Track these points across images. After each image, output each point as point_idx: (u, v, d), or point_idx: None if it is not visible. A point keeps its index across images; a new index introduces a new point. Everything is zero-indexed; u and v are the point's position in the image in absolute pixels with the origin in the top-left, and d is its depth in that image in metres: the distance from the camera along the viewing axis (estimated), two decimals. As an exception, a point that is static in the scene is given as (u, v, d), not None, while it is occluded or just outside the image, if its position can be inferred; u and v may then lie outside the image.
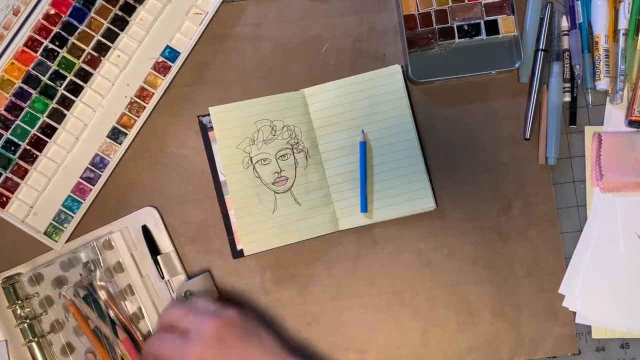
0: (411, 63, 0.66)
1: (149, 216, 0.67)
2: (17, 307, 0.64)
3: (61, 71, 0.66)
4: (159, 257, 0.65)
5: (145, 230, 0.66)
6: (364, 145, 0.66)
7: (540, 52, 0.67)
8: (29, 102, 0.66)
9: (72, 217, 0.66)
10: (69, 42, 0.66)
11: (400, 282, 0.67)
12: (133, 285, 0.65)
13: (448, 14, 0.67)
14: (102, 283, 0.64)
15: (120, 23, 0.67)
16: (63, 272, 0.65)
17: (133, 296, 0.65)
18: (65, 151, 0.66)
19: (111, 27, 0.67)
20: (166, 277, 0.65)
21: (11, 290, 0.65)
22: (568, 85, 0.68)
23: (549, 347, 0.66)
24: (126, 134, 0.67)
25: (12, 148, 0.66)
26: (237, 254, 0.66)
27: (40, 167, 0.66)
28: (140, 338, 0.64)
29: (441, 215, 0.67)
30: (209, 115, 0.66)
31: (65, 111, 0.66)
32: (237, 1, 0.69)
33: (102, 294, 0.64)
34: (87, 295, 0.64)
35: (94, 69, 0.67)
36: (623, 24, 0.67)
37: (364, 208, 0.65)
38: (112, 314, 0.64)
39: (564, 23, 0.68)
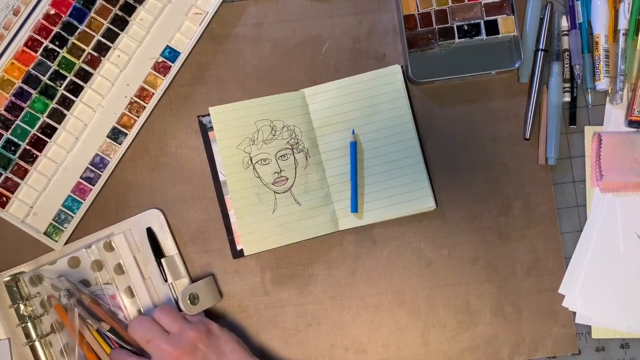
0: (411, 63, 0.66)
1: (153, 218, 0.67)
2: (20, 305, 0.65)
3: (61, 71, 0.66)
4: (162, 260, 0.65)
5: (150, 233, 0.66)
6: (354, 146, 0.66)
7: (540, 52, 0.67)
8: (29, 102, 0.66)
9: (72, 217, 0.66)
10: (69, 42, 0.66)
11: (400, 282, 0.67)
12: (133, 288, 0.65)
13: (448, 14, 0.67)
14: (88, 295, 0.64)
15: (120, 23, 0.67)
16: (64, 273, 0.64)
17: (133, 298, 0.65)
18: (65, 151, 0.66)
19: (111, 27, 0.67)
20: (169, 280, 0.65)
21: (15, 289, 0.65)
22: (568, 85, 0.68)
23: (549, 347, 0.66)
24: (126, 134, 0.67)
25: (12, 148, 0.66)
26: (237, 254, 0.66)
27: (40, 167, 0.66)
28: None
29: (441, 215, 0.67)
30: (209, 115, 0.66)
31: (65, 111, 0.66)
32: (237, 1, 0.69)
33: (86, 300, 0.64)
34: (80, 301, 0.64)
35: (94, 69, 0.67)
36: (623, 24, 0.67)
37: (355, 208, 0.65)
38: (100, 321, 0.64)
39: (564, 23, 0.68)
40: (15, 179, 0.66)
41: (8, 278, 0.65)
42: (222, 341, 0.61)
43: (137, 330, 0.60)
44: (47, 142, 0.66)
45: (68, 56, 0.66)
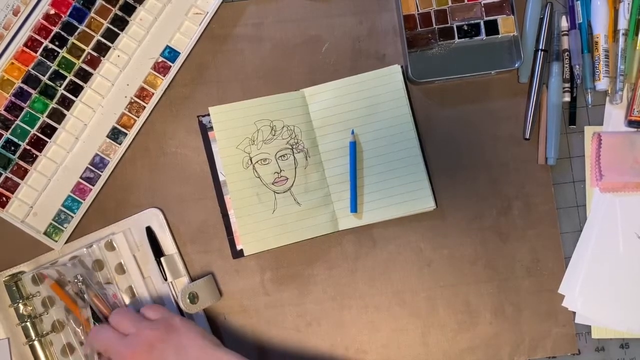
0: (411, 63, 0.66)
1: (153, 217, 0.67)
2: (20, 305, 0.65)
3: (61, 71, 0.66)
4: (162, 259, 0.65)
5: (149, 232, 0.66)
6: (353, 146, 0.66)
7: (540, 52, 0.67)
8: (29, 102, 0.66)
9: (72, 217, 0.66)
10: (69, 42, 0.66)
11: (400, 282, 0.67)
12: (134, 287, 0.65)
13: (448, 14, 0.67)
14: (93, 293, 0.64)
15: (120, 23, 0.67)
16: (64, 272, 0.64)
17: (134, 298, 0.65)
18: (65, 151, 0.66)
19: (111, 27, 0.67)
20: (169, 278, 0.65)
21: (14, 288, 0.65)
22: (568, 85, 0.68)
23: (549, 347, 0.66)
24: (126, 134, 0.67)
25: (12, 148, 0.66)
26: (237, 254, 0.66)
27: (40, 167, 0.66)
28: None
29: (441, 215, 0.67)
30: (209, 115, 0.66)
31: (65, 111, 0.66)
32: (237, 1, 0.69)
33: (92, 299, 0.64)
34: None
35: (94, 69, 0.67)
36: (623, 24, 0.67)
37: (354, 208, 0.65)
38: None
39: (564, 23, 0.68)
40: (15, 179, 0.66)
41: (7, 277, 0.65)
42: (184, 336, 0.58)
43: (95, 341, 0.60)
44: (47, 142, 0.66)
45: (68, 56, 0.66)
